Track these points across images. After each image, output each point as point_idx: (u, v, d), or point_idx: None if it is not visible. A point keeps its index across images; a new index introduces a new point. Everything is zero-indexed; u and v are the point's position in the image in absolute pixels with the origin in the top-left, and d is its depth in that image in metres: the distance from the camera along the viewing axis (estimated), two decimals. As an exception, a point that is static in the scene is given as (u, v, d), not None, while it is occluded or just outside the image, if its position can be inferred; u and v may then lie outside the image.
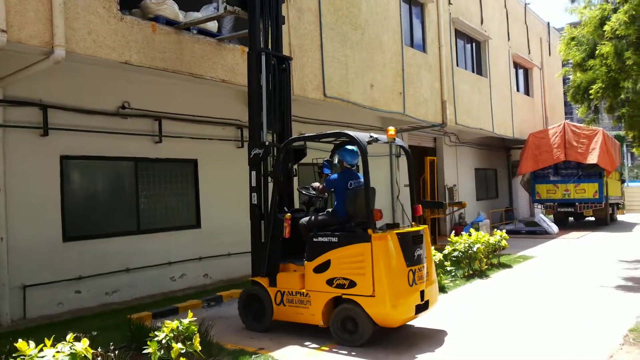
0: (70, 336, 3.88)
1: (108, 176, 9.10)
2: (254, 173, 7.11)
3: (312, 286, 6.28)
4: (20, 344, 3.71)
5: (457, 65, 17.80)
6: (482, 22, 19.38)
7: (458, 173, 20.11)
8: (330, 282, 6.13)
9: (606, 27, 8.82)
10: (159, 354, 4.39)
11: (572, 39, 10.66)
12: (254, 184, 7.08)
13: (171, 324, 4.60)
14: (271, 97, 7.28)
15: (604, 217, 21.30)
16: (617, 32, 8.65)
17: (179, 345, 4.46)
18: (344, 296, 6.05)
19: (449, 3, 17.03)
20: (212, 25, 9.25)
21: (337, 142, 7.35)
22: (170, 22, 8.34)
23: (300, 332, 6.50)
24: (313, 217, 6.70)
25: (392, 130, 6.40)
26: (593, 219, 22.05)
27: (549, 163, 20.14)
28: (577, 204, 20.21)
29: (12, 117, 7.67)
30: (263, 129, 7.15)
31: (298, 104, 11.81)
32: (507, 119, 21.50)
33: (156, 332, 4.55)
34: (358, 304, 5.92)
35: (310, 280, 6.30)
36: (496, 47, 20.80)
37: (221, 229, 10.65)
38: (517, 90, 23.82)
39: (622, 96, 10.42)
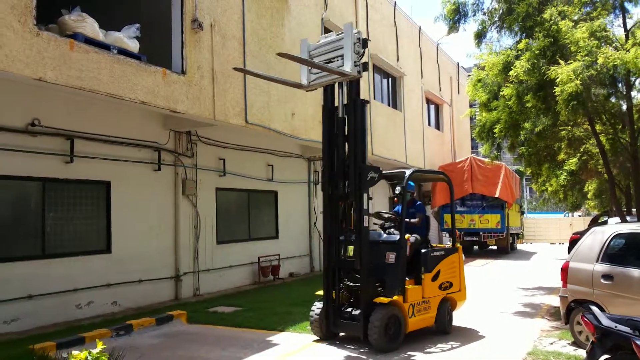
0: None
1: (12, 197, 8.56)
2: (365, 195, 7.26)
3: (430, 293, 7.73)
4: None
5: (375, 98, 18.55)
6: (398, 59, 20.38)
7: (375, 201, 20.72)
8: (440, 286, 7.93)
9: (511, 73, 9.59)
10: (66, 387, 4.17)
11: (479, 80, 11.46)
12: (366, 206, 7.26)
13: (79, 354, 4.38)
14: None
15: (505, 246, 22.76)
16: (520, 78, 9.43)
17: (88, 377, 4.26)
18: (447, 295, 8.08)
19: (368, 39, 17.76)
20: (133, 46, 9.09)
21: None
22: (89, 41, 8.11)
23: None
24: (416, 238, 7.95)
25: None
26: (495, 247, 23.45)
27: (458, 196, 21.30)
28: (481, 233, 21.51)
29: None
30: (366, 156, 7.46)
31: (219, 129, 11.81)
32: (419, 151, 22.57)
33: (63, 364, 4.33)
34: (453, 299, 8.21)
35: (429, 289, 7.71)
36: (410, 83, 21.91)
37: (133, 254, 10.28)
38: (429, 124, 25.13)
39: (522, 137, 11.32)
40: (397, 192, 8.20)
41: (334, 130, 7.64)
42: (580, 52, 8.64)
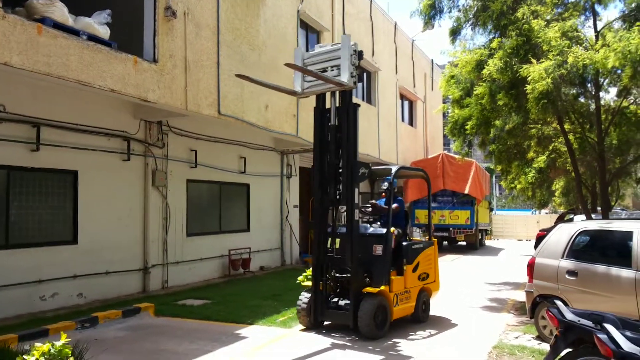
0: None
1: (-26, 184, 8.29)
2: (357, 190, 7.52)
3: (411, 284, 8.17)
4: None
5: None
6: (373, 54, 20.40)
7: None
8: (419, 277, 8.38)
9: (484, 72, 9.67)
10: (28, 380, 4.06)
11: (452, 77, 11.56)
12: (357, 201, 7.53)
13: (42, 347, 4.27)
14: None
15: (474, 242, 23.11)
16: (493, 76, 9.52)
17: (51, 370, 4.16)
18: (425, 286, 8.55)
19: (344, 32, 17.76)
20: (104, 32, 8.87)
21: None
22: (58, 25, 7.87)
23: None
24: (398, 231, 8.24)
25: None
26: (465, 243, 23.78)
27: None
28: (451, 229, 21.77)
29: None
30: (357, 154, 7.67)
31: (191, 119, 11.65)
32: (392, 147, 22.70)
33: (24, 357, 4.21)
34: (429, 289, 8.68)
35: (410, 279, 8.15)
36: (385, 78, 21.98)
37: (100, 245, 10.08)
38: (402, 120, 25.28)
39: (493, 134, 11.46)
40: (384, 187, 8.70)
41: (325, 134, 7.84)
42: (552, 51, 8.77)
